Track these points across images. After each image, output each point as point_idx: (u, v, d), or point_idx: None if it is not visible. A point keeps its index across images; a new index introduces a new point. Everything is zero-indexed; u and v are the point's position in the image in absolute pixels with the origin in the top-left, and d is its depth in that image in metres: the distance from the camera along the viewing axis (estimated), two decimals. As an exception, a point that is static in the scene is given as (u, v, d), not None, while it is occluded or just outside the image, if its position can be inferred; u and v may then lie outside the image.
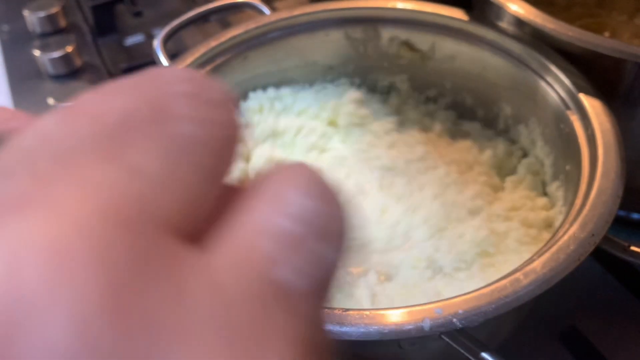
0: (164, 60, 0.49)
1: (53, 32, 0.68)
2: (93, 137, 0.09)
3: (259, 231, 0.09)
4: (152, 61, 0.52)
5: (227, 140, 0.10)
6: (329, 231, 0.10)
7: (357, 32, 0.52)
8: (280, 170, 0.10)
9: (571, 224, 0.35)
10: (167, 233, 0.09)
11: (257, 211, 0.10)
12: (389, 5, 0.50)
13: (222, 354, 0.08)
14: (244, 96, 0.51)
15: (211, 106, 0.10)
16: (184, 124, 0.09)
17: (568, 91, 0.43)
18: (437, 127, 0.51)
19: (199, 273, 0.09)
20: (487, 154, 0.48)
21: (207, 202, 0.09)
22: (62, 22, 0.69)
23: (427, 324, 0.30)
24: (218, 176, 0.10)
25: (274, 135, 0.49)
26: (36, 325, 0.07)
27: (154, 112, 0.09)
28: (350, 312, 0.31)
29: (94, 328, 0.07)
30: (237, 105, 0.10)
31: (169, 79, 0.10)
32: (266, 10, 0.52)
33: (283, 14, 0.50)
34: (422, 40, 0.51)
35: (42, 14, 0.68)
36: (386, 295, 0.39)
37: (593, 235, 0.34)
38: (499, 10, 0.47)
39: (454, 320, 0.30)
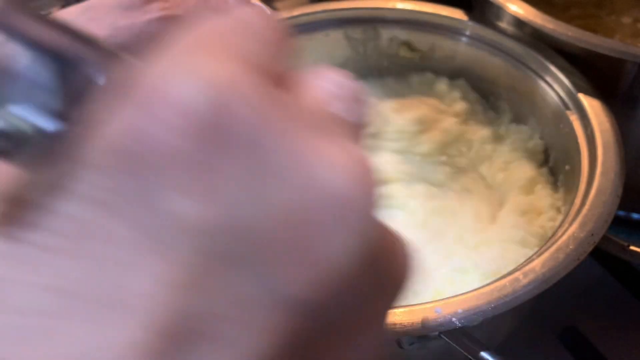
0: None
1: (53, 32, 0.68)
2: (222, 36, 0.15)
3: (317, 88, 0.16)
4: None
5: (282, 37, 0.16)
6: (356, 98, 0.16)
7: (356, 33, 0.52)
8: (321, 67, 0.17)
9: (570, 224, 0.35)
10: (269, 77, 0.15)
11: (314, 81, 0.16)
12: (389, 5, 0.51)
13: (318, 132, 0.14)
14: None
15: (270, 21, 0.16)
16: (261, 29, 0.16)
17: (567, 91, 0.43)
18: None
19: (294, 99, 0.15)
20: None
21: (277, 67, 0.15)
22: (63, 23, 0.69)
23: (426, 323, 0.30)
24: (282, 56, 0.16)
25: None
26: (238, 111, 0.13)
27: (244, 27, 0.15)
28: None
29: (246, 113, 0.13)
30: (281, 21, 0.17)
31: (244, 10, 0.16)
32: (266, 10, 0.52)
33: (283, 15, 0.50)
34: (422, 40, 0.51)
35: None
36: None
37: (592, 234, 0.34)
38: (499, 11, 0.47)
39: (454, 319, 0.30)
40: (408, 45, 0.52)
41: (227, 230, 0.13)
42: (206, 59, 0.13)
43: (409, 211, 0.44)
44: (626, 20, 0.55)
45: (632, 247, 0.38)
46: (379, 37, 0.52)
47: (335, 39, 0.52)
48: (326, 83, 0.16)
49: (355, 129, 0.16)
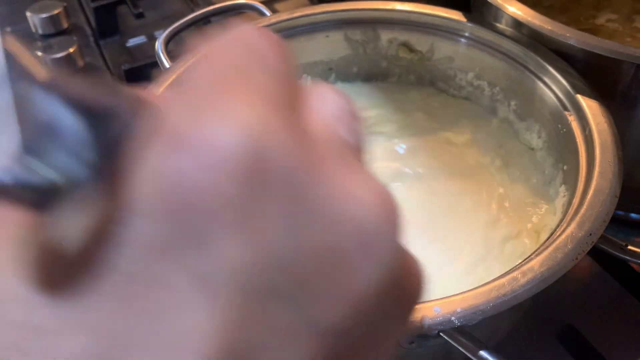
0: (165, 61, 0.49)
1: (55, 33, 0.69)
2: (240, 71, 0.15)
3: (323, 113, 0.16)
4: (154, 62, 0.52)
5: (288, 60, 0.16)
6: (355, 116, 0.17)
7: (356, 34, 0.52)
8: (320, 84, 0.18)
9: (569, 223, 0.35)
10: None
11: (317, 104, 0.16)
12: (388, 7, 0.51)
13: (340, 165, 0.15)
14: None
15: (275, 44, 0.16)
16: (270, 56, 0.16)
17: (566, 92, 0.43)
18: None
19: (310, 130, 0.15)
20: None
21: (291, 97, 0.16)
22: (65, 24, 0.69)
23: (425, 322, 0.31)
24: (293, 83, 0.16)
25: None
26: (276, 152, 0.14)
27: (253, 54, 0.16)
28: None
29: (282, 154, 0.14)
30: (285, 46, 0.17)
31: (249, 34, 0.16)
32: (266, 12, 0.52)
33: (283, 16, 0.51)
34: (421, 41, 0.51)
35: (44, 15, 0.68)
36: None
37: (590, 234, 0.34)
38: (497, 12, 0.47)
39: (453, 318, 0.31)
40: (407, 46, 0.52)
41: (269, 269, 0.13)
42: (237, 102, 0.14)
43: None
44: (624, 21, 0.55)
45: (630, 247, 0.39)
46: (378, 39, 0.52)
47: (335, 40, 0.52)
48: (329, 105, 0.17)
49: (358, 149, 0.17)
